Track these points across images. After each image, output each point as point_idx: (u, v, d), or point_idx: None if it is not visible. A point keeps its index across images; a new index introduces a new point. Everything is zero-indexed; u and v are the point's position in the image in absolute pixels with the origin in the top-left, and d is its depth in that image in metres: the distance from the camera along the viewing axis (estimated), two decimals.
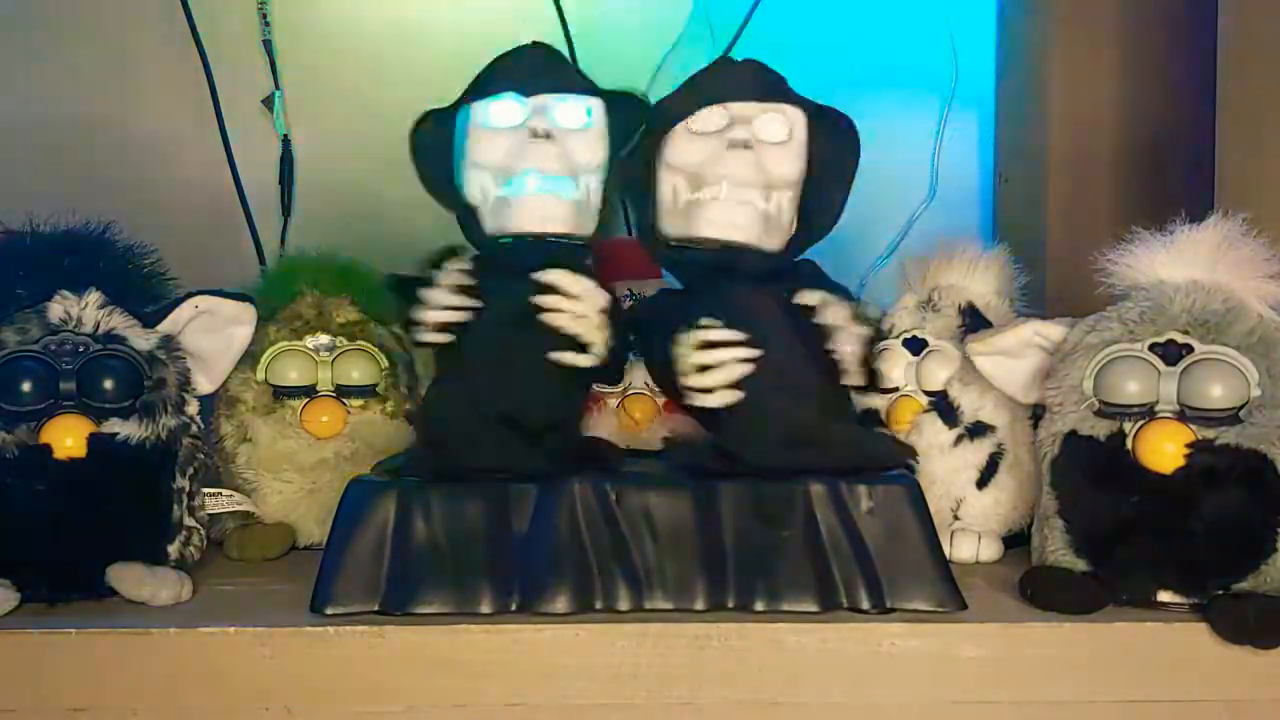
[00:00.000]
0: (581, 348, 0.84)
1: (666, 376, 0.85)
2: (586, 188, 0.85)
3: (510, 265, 0.85)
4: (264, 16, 1.28)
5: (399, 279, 0.87)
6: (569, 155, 0.85)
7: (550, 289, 0.83)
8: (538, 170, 0.84)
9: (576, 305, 0.84)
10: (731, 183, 0.84)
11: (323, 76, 1.30)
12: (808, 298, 0.85)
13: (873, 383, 0.87)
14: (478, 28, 1.27)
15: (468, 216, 0.86)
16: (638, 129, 0.88)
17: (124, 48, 1.28)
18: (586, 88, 0.87)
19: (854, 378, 0.84)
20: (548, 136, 0.84)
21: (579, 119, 0.85)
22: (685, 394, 0.83)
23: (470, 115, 0.86)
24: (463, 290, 0.84)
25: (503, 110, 0.85)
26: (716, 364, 0.82)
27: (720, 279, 0.86)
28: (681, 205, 0.86)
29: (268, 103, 1.29)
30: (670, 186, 0.86)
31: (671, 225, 0.86)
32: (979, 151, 1.34)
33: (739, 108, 0.86)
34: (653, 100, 0.89)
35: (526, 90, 0.85)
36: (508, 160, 0.84)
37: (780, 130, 0.86)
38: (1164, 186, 1.16)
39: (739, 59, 0.90)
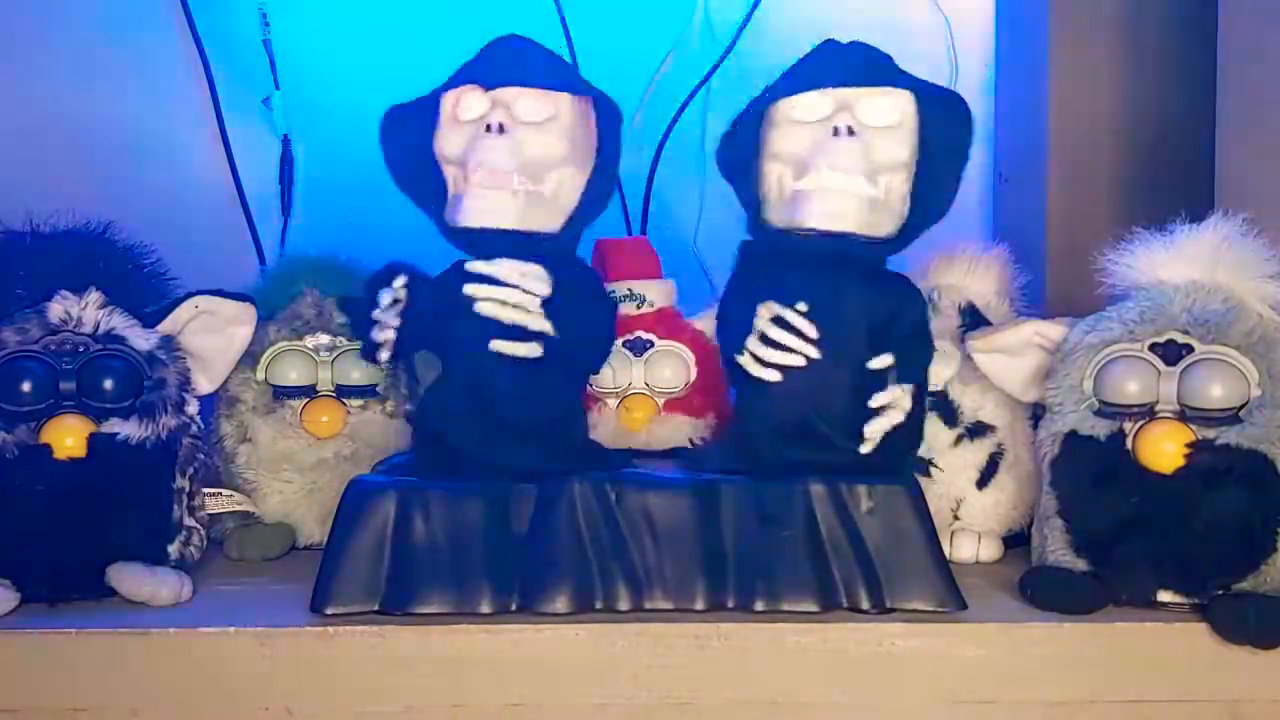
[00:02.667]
0: (533, 337, 0.83)
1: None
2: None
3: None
4: (264, 16, 1.28)
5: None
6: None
7: (488, 279, 0.83)
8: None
9: (511, 294, 0.83)
10: (834, 171, 0.83)
11: (323, 76, 1.30)
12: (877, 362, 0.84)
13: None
14: (478, 28, 1.27)
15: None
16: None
17: (124, 48, 1.28)
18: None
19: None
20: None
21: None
22: (741, 357, 0.84)
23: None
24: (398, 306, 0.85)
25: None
26: (780, 344, 0.83)
27: (824, 268, 0.85)
28: (787, 195, 0.85)
29: (268, 103, 1.29)
30: (775, 175, 0.85)
31: (776, 214, 0.86)
32: (979, 151, 1.34)
33: (844, 93, 0.85)
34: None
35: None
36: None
37: (888, 113, 0.85)
38: (1164, 186, 1.16)
39: (845, 42, 0.89)
